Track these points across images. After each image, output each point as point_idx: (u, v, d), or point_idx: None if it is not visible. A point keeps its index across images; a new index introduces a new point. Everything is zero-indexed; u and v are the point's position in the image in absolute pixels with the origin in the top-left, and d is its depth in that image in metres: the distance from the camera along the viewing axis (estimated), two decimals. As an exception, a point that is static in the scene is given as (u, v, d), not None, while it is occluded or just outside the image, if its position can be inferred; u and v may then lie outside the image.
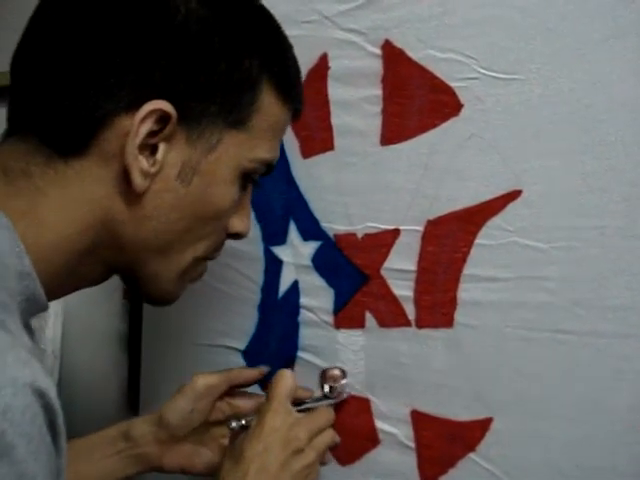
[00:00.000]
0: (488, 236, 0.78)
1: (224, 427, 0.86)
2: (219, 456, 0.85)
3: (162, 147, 0.61)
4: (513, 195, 0.77)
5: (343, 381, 0.86)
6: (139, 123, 0.59)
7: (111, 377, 1.23)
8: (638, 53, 0.72)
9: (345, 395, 0.87)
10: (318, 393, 0.87)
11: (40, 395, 0.49)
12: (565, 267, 0.75)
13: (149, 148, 0.61)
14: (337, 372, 0.87)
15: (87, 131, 0.59)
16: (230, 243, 0.95)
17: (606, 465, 0.73)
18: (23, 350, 0.50)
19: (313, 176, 0.89)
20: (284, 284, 0.93)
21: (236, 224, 0.72)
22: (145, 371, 1.10)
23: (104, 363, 1.23)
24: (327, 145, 0.88)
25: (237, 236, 0.74)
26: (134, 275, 0.68)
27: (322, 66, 0.87)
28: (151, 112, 0.59)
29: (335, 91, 0.87)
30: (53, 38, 0.61)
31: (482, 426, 0.79)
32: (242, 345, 0.95)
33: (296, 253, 0.91)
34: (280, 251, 0.93)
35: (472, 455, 0.80)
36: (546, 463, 0.76)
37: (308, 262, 0.90)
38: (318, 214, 0.89)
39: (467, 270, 0.80)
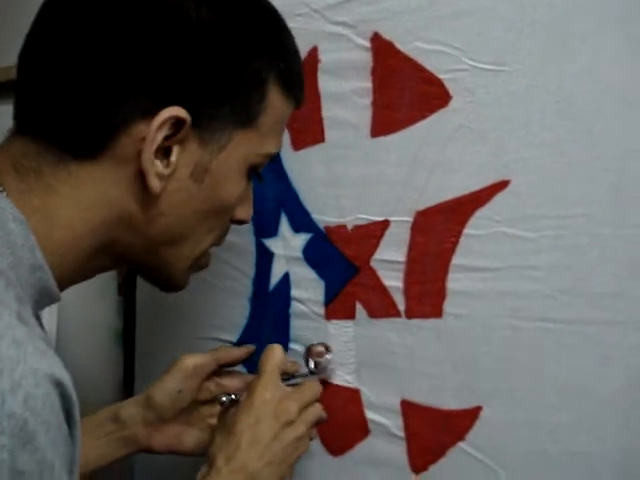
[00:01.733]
0: (476, 226, 0.79)
1: (212, 406, 0.88)
2: (208, 435, 0.85)
3: (176, 149, 0.62)
4: (501, 185, 0.77)
5: (328, 356, 0.87)
6: (156, 130, 0.60)
7: (106, 373, 1.23)
8: (625, 44, 0.72)
9: (330, 371, 0.88)
10: (304, 370, 0.88)
11: (58, 385, 0.50)
12: (553, 256, 0.75)
13: (163, 151, 0.62)
14: (321, 348, 0.87)
15: (102, 136, 0.60)
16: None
17: (594, 451, 0.74)
18: (41, 341, 0.51)
19: (304, 168, 0.90)
20: (275, 276, 0.93)
21: (241, 213, 0.73)
22: (139, 366, 1.11)
23: (99, 359, 1.23)
24: (318, 137, 0.89)
25: (240, 223, 0.75)
26: (146, 267, 0.70)
27: (312, 59, 0.88)
28: (167, 119, 0.60)
29: (325, 84, 0.88)
30: (66, 42, 0.61)
31: (471, 415, 0.80)
32: (234, 337, 0.96)
33: (287, 245, 0.92)
34: (271, 243, 0.93)
35: (462, 444, 0.80)
36: (535, 450, 0.76)
37: (299, 254, 0.91)
38: (309, 206, 0.90)
39: (456, 260, 0.80)
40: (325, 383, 0.88)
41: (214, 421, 0.85)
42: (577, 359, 0.74)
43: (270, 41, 0.68)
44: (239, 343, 0.95)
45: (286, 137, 0.91)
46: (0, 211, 0.56)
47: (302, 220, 0.90)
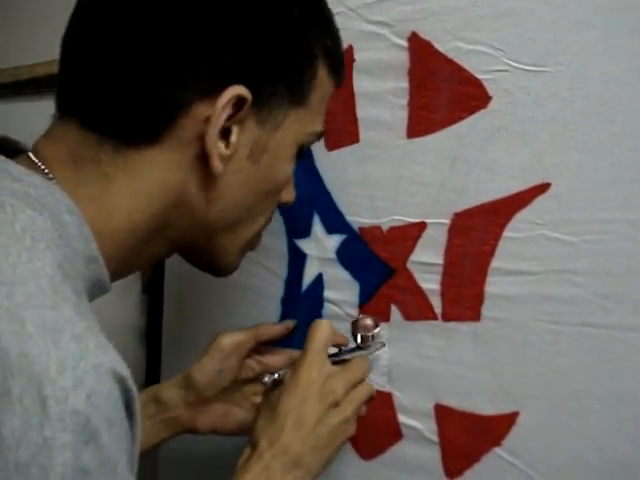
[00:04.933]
0: (516, 229, 0.78)
1: (255, 385, 0.87)
2: (252, 414, 0.83)
3: (235, 130, 0.62)
4: (542, 188, 0.76)
5: (376, 330, 0.82)
6: (221, 109, 0.60)
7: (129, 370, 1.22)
8: (670, 43, 0.71)
9: (379, 345, 0.83)
10: (351, 344, 0.83)
11: (120, 380, 0.49)
12: (594, 260, 0.74)
13: (223, 131, 0.62)
14: (369, 321, 0.82)
15: (162, 120, 0.60)
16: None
17: (635, 460, 0.73)
18: (101, 334, 0.51)
19: (338, 169, 0.89)
20: (308, 277, 0.92)
21: (285, 195, 0.74)
22: (166, 367, 1.10)
23: (122, 357, 1.23)
24: (352, 138, 0.88)
25: (285, 204, 0.76)
26: (200, 251, 0.69)
27: (347, 58, 0.86)
28: (231, 98, 0.60)
29: (361, 83, 0.87)
30: (121, 22, 0.60)
31: (508, 420, 0.79)
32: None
33: (320, 246, 0.91)
34: (304, 244, 0.92)
35: (498, 450, 0.79)
36: (573, 458, 0.75)
37: (332, 255, 0.90)
38: (343, 207, 0.89)
39: (494, 263, 0.79)
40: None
41: (258, 399, 0.83)
42: (618, 365, 0.73)
43: (319, 18, 0.69)
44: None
45: (320, 137, 0.90)
46: (54, 202, 0.56)
47: (335, 221, 0.89)
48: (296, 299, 0.93)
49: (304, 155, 0.74)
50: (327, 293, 0.91)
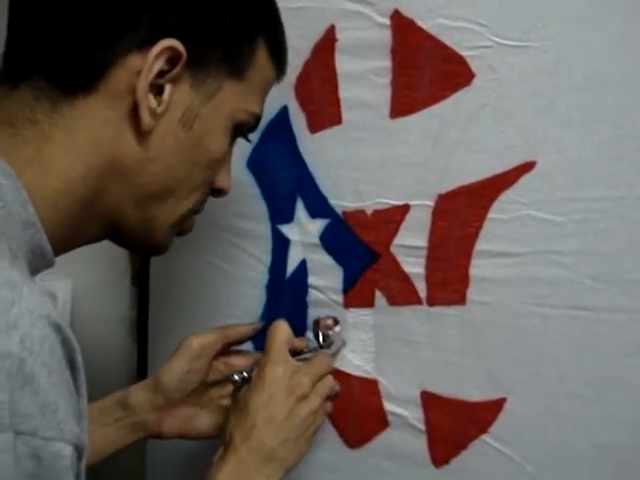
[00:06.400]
0: (501, 210, 0.76)
1: (223, 387, 0.87)
2: (219, 417, 0.85)
3: (168, 88, 0.62)
4: (527, 167, 0.74)
5: (337, 329, 0.85)
6: (153, 59, 0.60)
7: (120, 365, 1.21)
8: (656, 16, 0.69)
9: (340, 343, 0.86)
10: (313, 344, 0.86)
11: (57, 329, 0.49)
12: (581, 240, 0.72)
13: (156, 88, 0.61)
14: (329, 321, 0.86)
15: (97, 69, 0.60)
16: (237, 222, 0.94)
17: (624, 444, 0.71)
18: (37, 286, 0.51)
19: (321, 151, 0.87)
20: (292, 263, 0.90)
21: (221, 180, 0.72)
22: (152, 357, 1.09)
23: (113, 351, 1.22)
24: (335, 119, 0.86)
25: (220, 192, 0.74)
26: (131, 226, 0.67)
27: (329, 38, 0.85)
28: (164, 50, 0.60)
29: (343, 64, 0.85)
30: None
31: (495, 407, 0.77)
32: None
33: (304, 231, 0.89)
34: (287, 229, 0.90)
35: (485, 437, 0.78)
36: (562, 444, 0.74)
37: (316, 240, 0.88)
38: (326, 191, 0.87)
39: (479, 246, 0.77)
40: (341, 374, 0.86)
41: (225, 402, 0.85)
42: (607, 348, 0.71)
43: (264, 4, 0.70)
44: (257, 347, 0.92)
45: (302, 119, 0.88)
46: None
47: (319, 205, 0.87)
48: (280, 285, 0.91)
49: (246, 137, 0.74)
50: (311, 279, 0.89)
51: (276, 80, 0.74)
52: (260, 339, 0.85)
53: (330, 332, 0.85)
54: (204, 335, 0.86)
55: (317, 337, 0.86)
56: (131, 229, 0.68)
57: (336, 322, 0.86)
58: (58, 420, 0.47)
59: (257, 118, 0.72)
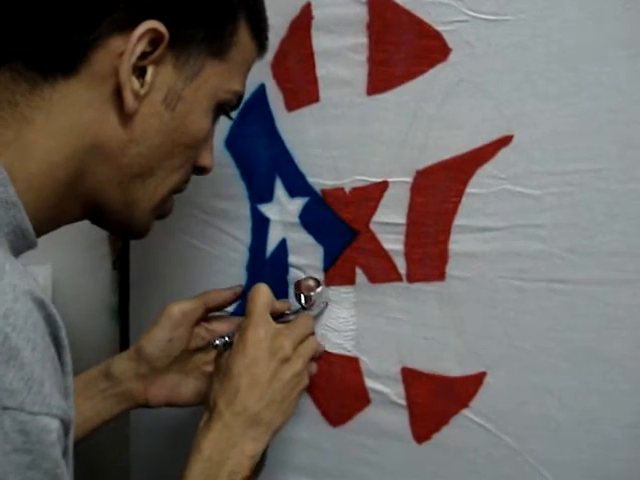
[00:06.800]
0: (479, 185, 0.75)
1: (206, 354, 0.87)
2: (204, 384, 0.85)
3: (151, 70, 0.62)
4: (504, 141, 0.74)
5: (318, 289, 0.85)
6: (136, 41, 0.60)
7: (103, 349, 1.21)
8: (631, -11, 0.69)
9: (322, 305, 0.86)
10: (295, 306, 0.86)
11: (41, 305, 0.49)
12: (559, 214, 0.72)
13: (139, 70, 0.61)
14: (311, 282, 0.85)
15: (78, 51, 0.60)
16: (216, 203, 0.93)
17: (605, 416, 0.71)
18: (19, 264, 0.51)
19: (298, 130, 0.86)
20: (272, 243, 0.90)
21: (203, 159, 0.73)
22: (135, 341, 1.08)
23: (95, 335, 1.22)
24: (312, 97, 0.85)
25: (203, 171, 0.74)
26: (113, 208, 0.67)
27: (305, 16, 0.84)
28: (147, 31, 0.60)
29: (319, 41, 0.84)
30: None
31: (475, 381, 0.77)
32: (232, 307, 0.92)
33: (283, 210, 0.89)
34: (267, 209, 0.90)
35: (465, 411, 0.78)
36: (542, 416, 0.74)
37: (295, 219, 0.88)
38: (304, 169, 0.87)
39: (458, 221, 0.77)
40: (323, 352, 0.86)
41: (210, 368, 0.85)
42: (585, 321, 0.71)
43: None
44: (237, 313, 0.92)
45: (279, 98, 0.87)
46: None
47: (298, 184, 0.87)
48: (261, 265, 0.91)
49: (228, 115, 0.74)
50: (291, 258, 0.88)
51: (258, 57, 0.74)
52: (242, 305, 0.85)
53: (312, 293, 0.84)
54: (184, 302, 0.85)
55: (299, 299, 0.85)
56: (113, 211, 0.68)
57: (318, 283, 0.85)
58: (44, 394, 0.47)
59: (239, 96, 0.72)
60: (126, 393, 0.84)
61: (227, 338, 0.79)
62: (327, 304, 0.86)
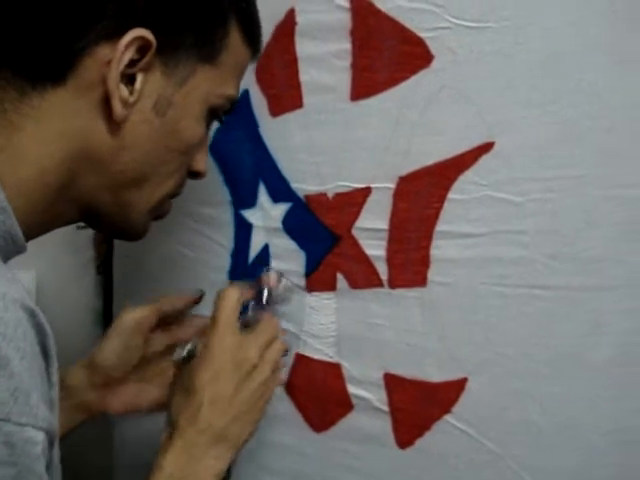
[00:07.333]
0: (461, 191, 0.76)
1: (167, 360, 0.84)
2: (166, 390, 0.80)
3: (140, 77, 0.61)
4: (486, 147, 0.74)
5: (282, 282, 0.83)
6: (123, 50, 0.59)
7: (86, 353, 1.20)
8: (612, -3, 0.69)
9: (287, 298, 0.84)
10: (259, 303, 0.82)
11: (31, 314, 0.48)
12: (540, 220, 0.72)
13: (127, 78, 0.61)
14: (273, 275, 0.83)
15: (66, 60, 0.59)
16: (199, 209, 0.93)
17: (587, 422, 0.72)
18: (8, 272, 0.51)
19: (282, 135, 0.86)
20: (254, 249, 0.90)
21: (197, 163, 0.72)
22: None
23: (79, 340, 1.21)
24: (296, 103, 0.85)
25: (197, 175, 0.74)
26: (107, 212, 0.67)
27: (289, 22, 0.84)
28: (134, 39, 0.59)
29: (303, 47, 0.84)
30: None
31: (457, 387, 0.77)
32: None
33: (266, 216, 0.88)
34: (250, 214, 0.90)
35: (448, 417, 0.78)
36: (524, 422, 0.74)
37: (278, 225, 0.87)
38: (288, 175, 0.86)
39: (440, 227, 0.77)
40: (304, 358, 0.85)
41: (171, 373, 0.80)
42: (567, 327, 0.72)
43: None
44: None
45: (263, 103, 0.87)
46: None
47: (281, 189, 0.87)
48: (243, 271, 0.90)
49: (221, 121, 0.73)
50: (274, 264, 0.88)
51: (252, 60, 0.73)
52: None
53: (274, 287, 0.82)
54: (138, 310, 0.84)
55: (261, 295, 0.82)
56: (108, 214, 0.68)
57: (280, 276, 0.83)
58: (31, 405, 0.46)
59: (233, 101, 0.72)
60: (82, 404, 0.82)
61: (185, 352, 0.75)
62: (291, 298, 0.84)
